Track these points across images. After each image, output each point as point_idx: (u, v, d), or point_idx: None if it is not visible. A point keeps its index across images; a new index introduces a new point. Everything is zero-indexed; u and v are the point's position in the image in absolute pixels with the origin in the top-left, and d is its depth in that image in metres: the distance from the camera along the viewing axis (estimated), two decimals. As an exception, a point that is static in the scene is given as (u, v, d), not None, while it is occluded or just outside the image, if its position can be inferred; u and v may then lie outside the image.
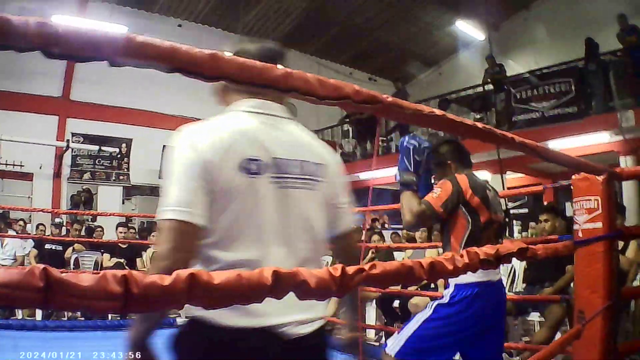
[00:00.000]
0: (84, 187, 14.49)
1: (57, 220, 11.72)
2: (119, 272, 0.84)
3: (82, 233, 10.64)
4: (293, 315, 1.84)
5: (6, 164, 13.04)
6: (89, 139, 13.90)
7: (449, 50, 18.03)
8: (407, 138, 3.54)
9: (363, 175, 15.61)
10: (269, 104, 2.02)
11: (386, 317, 7.47)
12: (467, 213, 3.26)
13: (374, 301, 7.52)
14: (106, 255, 9.78)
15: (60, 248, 9.78)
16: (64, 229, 11.37)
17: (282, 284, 0.97)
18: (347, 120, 16.65)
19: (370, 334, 7.70)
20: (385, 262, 1.20)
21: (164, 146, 14.08)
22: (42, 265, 0.80)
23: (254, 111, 1.98)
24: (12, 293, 0.77)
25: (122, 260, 9.73)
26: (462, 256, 1.41)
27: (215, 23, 15.64)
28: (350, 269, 1.07)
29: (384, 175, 15.46)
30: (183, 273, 0.86)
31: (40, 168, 13.66)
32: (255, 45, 2.12)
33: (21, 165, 13.35)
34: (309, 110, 16.09)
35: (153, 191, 15.23)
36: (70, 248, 9.79)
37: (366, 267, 1.10)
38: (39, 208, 10.20)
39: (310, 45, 17.26)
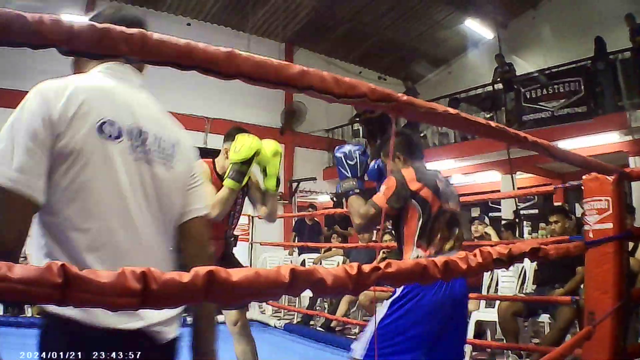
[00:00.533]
0: None
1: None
2: (138, 269, 0.84)
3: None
4: (161, 315, 1.71)
5: None
6: None
7: (457, 49, 17.98)
8: (336, 149, 3.59)
9: (372, 175, 15.62)
10: (127, 69, 1.87)
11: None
12: (417, 204, 3.19)
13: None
14: None
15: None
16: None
17: (300, 282, 0.97)
18: (357, 119, 16.64)
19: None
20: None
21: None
22: (60, 262, 0.80)
23: (113, 73, 1.79)
24: (29, 289, 0.77)
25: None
26: (475, 255, 1.41)
27: (224, 22, 15.61)
28: (366, 267, 1.07)
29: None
30: (202, 270, 0.87)
31: None
32: (112, 10, 1.95)
33: None
34: (319, 109, 16.11)
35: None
36: None
37: (382, 265, 1.11)
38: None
39: (319, 44, 17.24)
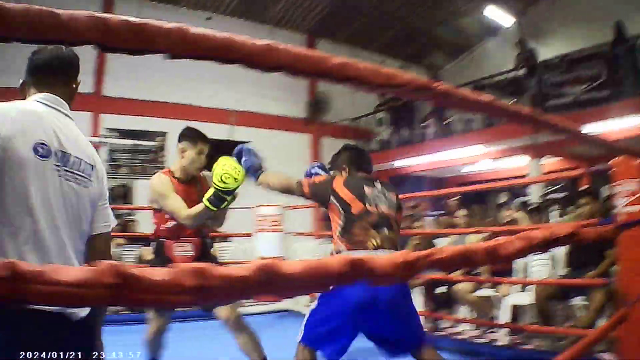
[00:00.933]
0: (119, 183, 14.53)
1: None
2: (193, 265, 0.85)
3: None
4: None
5: None
6: (124, 133, 13.94)
7: (478, 36, 17.87)
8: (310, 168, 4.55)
9: (398, 163, 15.59)
10: (58, 99, 2.24)
11: (432, 304, 7.45)
12: (338, 204, 3.75)
13: (420, 288, 7.52)
14: (147, 249, 9.67)
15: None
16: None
17: (353, 272, 0.98)
18: (382, 108, 16.60)
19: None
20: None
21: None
22: (113, 262, 0.81)
23: (46, 103, 2.18)
24: (82, 292, 0.78)
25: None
26: (519, 239, 1.41)
27: (244, 14, 15.54)
28: (415, 254, 1.07)
29: (421, 162, 15.43)
30: (257, 264, 0.87)
31: None
32: (46, 53, 2.30)
33: None
34: (344, 99, 16.09)
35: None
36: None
37: (432, 251, 1.11)
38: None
39: (340, 34, 17.13)
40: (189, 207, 4.24)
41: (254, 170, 4.11)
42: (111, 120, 14.06)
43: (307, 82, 16.33)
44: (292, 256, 10.04)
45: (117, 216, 10.61)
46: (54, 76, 2.27)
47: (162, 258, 4.55)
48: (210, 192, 4.12)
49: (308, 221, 14.88)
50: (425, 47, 18.32)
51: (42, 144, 1.99)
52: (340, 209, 3.74)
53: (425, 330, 4.43)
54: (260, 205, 9.18)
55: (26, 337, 1.92)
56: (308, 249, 11.71)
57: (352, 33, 17.16)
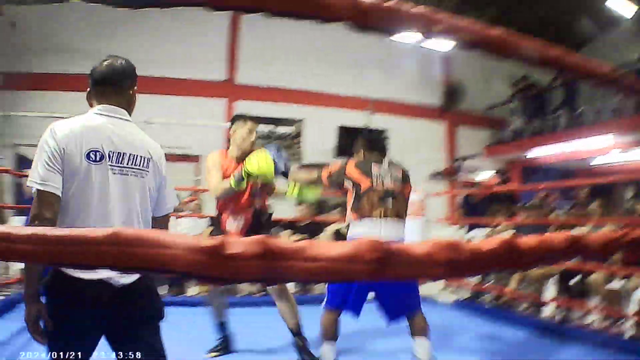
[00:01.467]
0: None
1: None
2: (445, 240, 0.99)
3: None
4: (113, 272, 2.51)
5: (175, 148, 13.20)
6: (260, 120, 13.85)
7: (600, 29, 17.23)
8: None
9: (531, 153, 15.37)
10: (115, 108, 2.76)
11: (566, 293, 7.41)
12: (351, 184, 4.67)
13: (554, 278, 7.49)
14: (286, 232, 9.89)
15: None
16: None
17: (572, 248, 1.10)
18: (516, 96, 16.35)
19: (549, 310, 7.64)
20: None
21: (337, 126, 14.31)
22: (372, 238, 0.94)
23: (103, 113, 2.72)
24: (347, 266, 0.91)
25: (303, 237, 9.62)
26: None
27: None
28: (618, 232, 1.18)
29: (552, 152, 15.09)
30: (500, 239, 1.00)
31: (211, 150, 13.41)
32: (102, 67, 2.84)
33: (190, 148, 13.54)
34: (478, 87, 15.95)
35: (326, 170, 15.28)
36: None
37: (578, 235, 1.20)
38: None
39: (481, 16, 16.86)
40: None
41: (284, 168, 4.80)
42: (246, 107, 13.94)
43: (442, 69, 16.27)
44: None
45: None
46: (110, 87, 2.78)
47: (218, 231, 5.44)
48: (237, 171, 4.87)
49: (444, 208, 14.87)
50: (549, 41, 17.85)
51: (95, 150, 2.59)
52: (352, 187, 4.66)
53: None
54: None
55: (71, 300, 2.56)
56: (446, 236, 11.72)
57: (489, 18, 16.85)
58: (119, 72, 2.82)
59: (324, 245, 0.95)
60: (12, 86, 12.92)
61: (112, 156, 2.63)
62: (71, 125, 2.60)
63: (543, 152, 15.18)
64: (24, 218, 8.87)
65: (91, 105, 2.81)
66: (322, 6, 1.06)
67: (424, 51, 14.33)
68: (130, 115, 2.84)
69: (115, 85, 2.79)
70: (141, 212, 2.76)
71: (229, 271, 0.94)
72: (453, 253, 0.97)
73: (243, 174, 4.73)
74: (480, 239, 9.55)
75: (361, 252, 0.93)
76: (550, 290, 7.59)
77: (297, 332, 5.23)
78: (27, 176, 2.65)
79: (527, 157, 15.65)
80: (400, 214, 4.69)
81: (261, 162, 4.70)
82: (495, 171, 15.56)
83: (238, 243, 0.94)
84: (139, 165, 2.74)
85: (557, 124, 14.92)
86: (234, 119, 5.50)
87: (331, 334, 4.67)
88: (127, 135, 2.73)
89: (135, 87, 2.91)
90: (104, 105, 2.74)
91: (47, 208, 2.47)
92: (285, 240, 1.00)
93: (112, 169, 2.62)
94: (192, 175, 14.18)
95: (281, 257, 0.93)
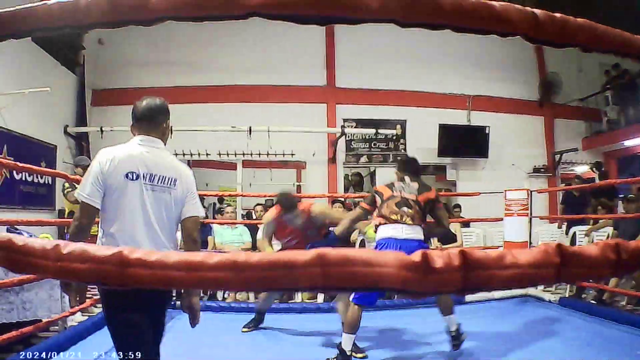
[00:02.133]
0: (353, 171, 14.67)
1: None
2: (612, 242, 1.03)
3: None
4: None
5: (276, 154, 13.46)
6: (361, 123, 14.05)
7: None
8: None
9: (628, 142, 15.01)
10: (151, 138, 3.53)
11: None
12: (378, 197, 5.90)
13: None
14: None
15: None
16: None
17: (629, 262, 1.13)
18: (609, 87, 15.96)
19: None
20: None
21: (439, 125, 14.21)
22: (555, 242, 1.00)
23: (141, 143, 3.50)
24: (534, 272, 0.96)
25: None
26: None
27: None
28: None
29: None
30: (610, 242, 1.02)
31: (314, 155, 13.88)
32: (141, 106, 3.62)
33: (292, 154, 13.70)
34: (571, 78, 15.64)
35: (430, 169, 15.34)
36: (356, 230, 9.36)
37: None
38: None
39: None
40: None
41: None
42: (347, 111, 14.43)
43: (536, 62, 16.09)
44: (535, 240, 9.98)
45: (355, 204, 10.91)
46: (148, 122, 3.56)
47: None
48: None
49: (543, 205, 14.73)
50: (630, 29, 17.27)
51: (132, 172, 3.33)
52: (378, 198, 5.87)
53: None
54: (508, 190, 9.29)
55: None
56: (548, 234, 11.57)
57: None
58: (155, 110, 3.61)
59: (515, 254, 1.01)
60: (105, 102, 13.54)
61: (146, 176, 3.39)
62: (115, 152, 3.39)
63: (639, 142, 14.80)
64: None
65: (134, 134, 3.59)
66: (500, 20, 1.15)
67: (517, 45, 14.02)
68: (164, 142, 3.64)
69: (151, 121, 3.57)
70: (166, 217, 3.47)
71: (432, 284, 1.00)
72: (620, 254, 1.02)
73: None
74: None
75: (545, 256, 1.01)
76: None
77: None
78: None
79: (623, 147, 15.28)
80: (414, 218, 5.66)
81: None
82: (592, 164, 15.27)
83: (439, 256, 1.00)
84: (167, 184, 3.46)
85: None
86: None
87: (357, 327, 5.51)
88: (159, 160, 3.49)
89: (168, 121, 3.71)
90: (143, 136, 3.54)
91: (86, 216, 3.32)
92: (480, 251, 1.04)
93: (145, 186, 3.37)
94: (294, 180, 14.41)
95: (479, 267, 1.00)
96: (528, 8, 1.15)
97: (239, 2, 1.09)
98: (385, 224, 5.63)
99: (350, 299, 5.63)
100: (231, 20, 1.17)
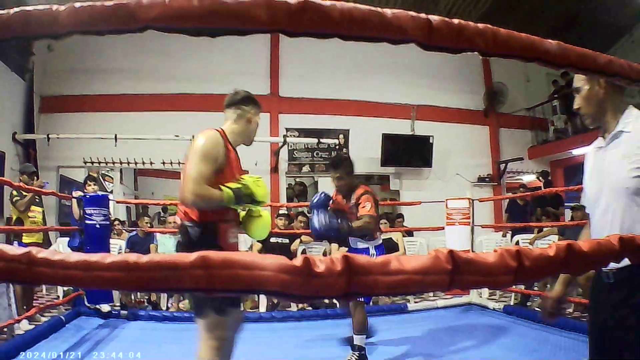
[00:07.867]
0: (297, 181, 14.88)
1: (281, 211, 11.90)
2: (513, 248, 0.98)
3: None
4: None
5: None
6: (304, 132, 14.20)
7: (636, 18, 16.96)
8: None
9: (576, 151, 15.21)
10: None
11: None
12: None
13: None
14: (334, 245, 9.72)
15: (286, 241, 9.80)
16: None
17: (623, 249, 1.06)
18: (556, 96, 16.20)
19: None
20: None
21: (382, 135, 14.28)
22: (447, 249, 0.95)
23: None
24: (422, 278, 0.91)
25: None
26: None
27: (414, 6, 15.45)
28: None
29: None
30: (562, 244, 0.98)
31: (256, 165, 13.67)
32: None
33: None
34: (519, 88, 15.88)
35: (372, 179, 15.48)
36: (297, 240, 9.87)
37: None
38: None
39: (506, 23, 16.60)
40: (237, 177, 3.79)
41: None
42: (290, 120, 14.49)
43: (482, 72, 16.29)
44: (478, 249, 10.01)
45: (303, 214, 10.87)
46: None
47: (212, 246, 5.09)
48: (243, 189, 3.67)
49: (488, 214, 14.88)
50: (587, 32, 17.65)
51: None
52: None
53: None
54: (450, 199, 9.29)
55: None
56: (492, 242, 11.64)
57: (518, 22, 16.67)
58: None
59: (402, 260, 0.99)
60: (53, 109, 13.27)
61: None
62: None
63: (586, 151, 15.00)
64: (67, 239, 8.99)
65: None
66: (393, 28, 1.17)
67: (464, 55, 14.16)
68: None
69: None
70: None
71: (315, 289, 1.00)
72: (521, 260, 0.97)
73: (244, 197, 3.66)
74: (526, 244, 9.53)
75: (436, 262, 0.97)
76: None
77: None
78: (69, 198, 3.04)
79: (570, 156, 15.50)
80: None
81: (254, 186, 3.74)
82: (538, 173, 15.48)
83: (322, 261, 1.00)
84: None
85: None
86: (249, 100, 4.18)
87: (367, 326, 5.76)
88: None
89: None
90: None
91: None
92: (365, 257, 1.03)
93: None
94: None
95: (363, 273, 0.99)
96: (423, 15, 1.14)
97: (135, 17, 1.12)
98: (380, 234, 6.20)
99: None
100: (130, 33, 1.21)
